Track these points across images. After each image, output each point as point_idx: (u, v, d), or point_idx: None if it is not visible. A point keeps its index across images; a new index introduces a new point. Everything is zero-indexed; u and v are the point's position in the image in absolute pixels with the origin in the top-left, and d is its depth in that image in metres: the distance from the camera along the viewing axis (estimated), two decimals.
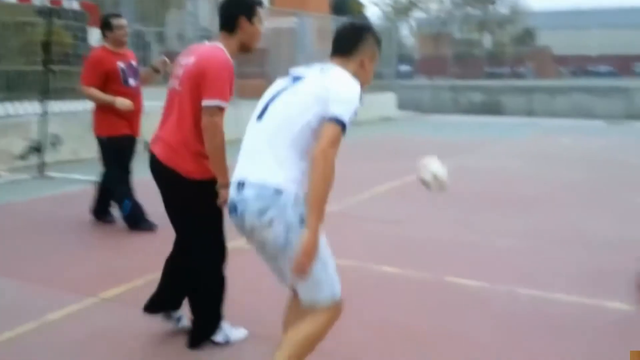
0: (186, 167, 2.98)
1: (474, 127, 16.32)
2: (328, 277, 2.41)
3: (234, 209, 2.43)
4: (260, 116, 2.48)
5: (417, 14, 43.41)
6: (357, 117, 2.39)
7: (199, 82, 2.91)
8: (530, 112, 19.67)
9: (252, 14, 3.01)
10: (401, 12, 41.98)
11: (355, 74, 2.47)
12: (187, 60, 3.03)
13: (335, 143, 2.27)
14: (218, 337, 3.15)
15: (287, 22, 15.13)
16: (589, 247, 5.07)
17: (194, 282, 3.13)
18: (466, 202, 6.56)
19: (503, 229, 5.58)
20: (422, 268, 4.45)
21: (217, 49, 2.98)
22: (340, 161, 2.33)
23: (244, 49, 3.06)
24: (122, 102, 5.03)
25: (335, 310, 2.45)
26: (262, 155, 2.40)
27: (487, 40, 34.93)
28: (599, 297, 3.90)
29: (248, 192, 2.37)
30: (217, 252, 3.11)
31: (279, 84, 2.54)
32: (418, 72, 33.88)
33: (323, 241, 2.37)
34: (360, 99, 2.38)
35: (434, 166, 2.82)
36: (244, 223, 2.40)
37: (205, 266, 3.09)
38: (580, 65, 30.81)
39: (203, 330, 3.14)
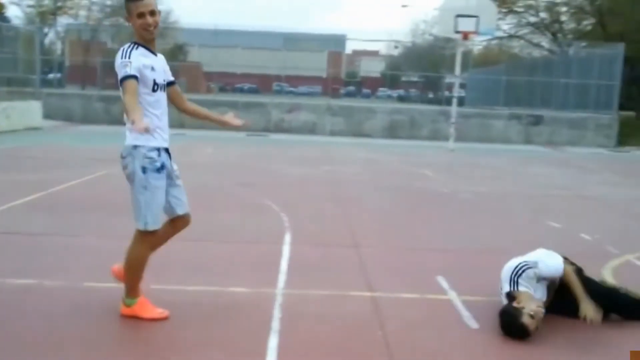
0: None
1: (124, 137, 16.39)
2: (142, 210, 3.53)
3: None
4: None
5: (65, 19, 41.13)
6: None
7: None
8: (182, 124, 20.52)
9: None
10: (46, 15, 39.23)
11: (135, 32, 3.53)
12: None
13: (126, 90, 3.31)
14: None
15: None
16: (222, 241, 5.69)
17: None
18: (112, 207, 6.68)
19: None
20: (58, 277, 4.44)
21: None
22: None
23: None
24: None
25: (147, 236, 3.58)
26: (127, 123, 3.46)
27: None
28: (222, 284, 4.44)
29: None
30: None
31: None
32: (68, 81, 32.27)
33: (157, 185, 3.53)
34: (127, 53, 3.42)
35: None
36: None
37: None
38: (227, 82, 33.25)
39: None
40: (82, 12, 41.09)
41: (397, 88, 31.93)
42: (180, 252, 5.27)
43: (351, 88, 33.00)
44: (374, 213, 7.53)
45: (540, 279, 3.84)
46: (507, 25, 32.64)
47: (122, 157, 3.56)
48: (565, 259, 4.14)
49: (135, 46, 3.51)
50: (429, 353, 3.42)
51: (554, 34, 33.11)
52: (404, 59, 30.34)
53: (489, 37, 20.09)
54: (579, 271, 4.11)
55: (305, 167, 11.60)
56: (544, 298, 3.85)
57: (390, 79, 27.35)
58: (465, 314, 4.02)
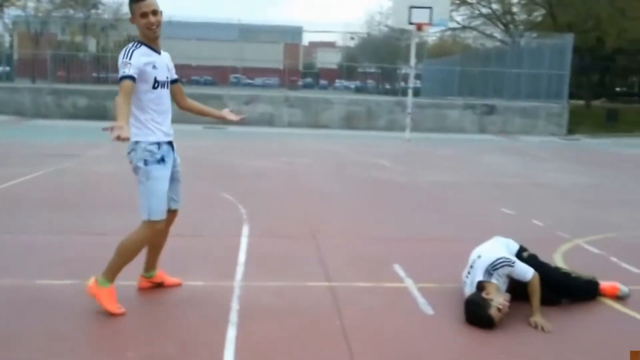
0: None
1: (79, 131, 16.08)
2: (146, 201, 3.70)
3: None
4: None
5: (13, 11, 39.84)
6: None
7: None
8: None
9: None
10: None
11: (139, 32, 3.69)
12: None
13: (121, 90, 3.50)
14: None
15: None
16: (177, 235, 5.63)
17: None
18: (62, 203, 6.54)
19: (101, 226, 5.77)
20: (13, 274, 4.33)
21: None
22: None
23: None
24: None
25: (150, 226, 3.74)
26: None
27: (91, 45, 34.31)
28: (181, 279, 4.41)
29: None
30: None
31: None
32: (17, 74, 31.31)
33: (159, 176, 3.72)
34: (130, 53, 3.58)
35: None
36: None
37: None
38: (183, 74, 32.81)
39: None
40: (31, 4, 39.88)
41: (354, 79, 32.09)
42: None
43: (308, 80, 32.99)
44: (331, 204, 7.57)
45: (509, 277, 3.91)
46: (460, 16, 33.14)
47: (128, 153, 3.78)
48: (521, 247, 4.25)
49: (138, 45, 3.67)
50: (386, 340, 3.47)
51: (505, 25, 33.76)
52: (361, 51, 30.49)
53: (442, 28, 20.36)
54: (534, 257, 4.22)
55: (263, 159, 11.57)
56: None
57: (347, 71, 27.47)
58: (422, 300, 4.09)
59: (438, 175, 10.32)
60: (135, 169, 3.76)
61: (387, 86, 26.51)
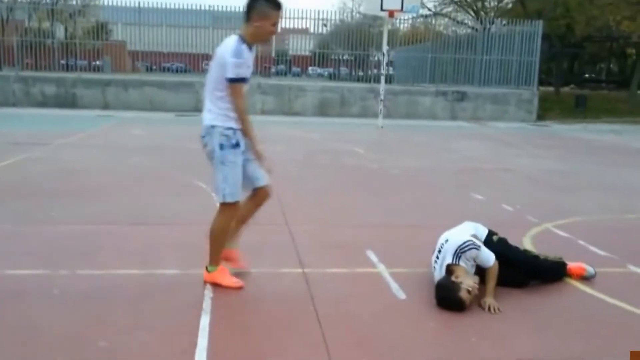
0: None
1: (48, 120, 15.80)
2: (221, 184, 3.87)
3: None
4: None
5: None
6: None
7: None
8: (106, 105, 19.92)
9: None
10: None
11: (255, 32, 3.79)
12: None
13: (235, 94, 3.76)
14: None
15: None
16: (151, 224, 5.61)
17: None
18: (29, 193, 6.45)
19: (72, 216, 5.72)
20: None
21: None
22: None
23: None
24: None
25: (227, 208, 3.93)
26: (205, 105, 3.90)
27: (59, 31, 33.62)
28: (153, 267, 4.40)
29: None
30: None
31: None
32: None
33: (234, 160, 3.86)
34: (242, 52, 3.70)
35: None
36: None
37: None
38: (154, 61, 32.35)
39: None
40: None
41: (327, 66, 32.02)
42: (111, 236, 5.18)
43: (281, 66, 32.81)
44: (305, 191, 7.59)
45: (474, 260, 3.98)
46: (431, 3, 33.28)
47: (202, 137, 3.92)
48: (490, 231, 4.33)
49: (242, 42, 3.78)
50: (359, 325, 3.52)
51: (476, 12, 33.98)
52: (333, 37, 30.46)
53: (413, 14, 20.34)
54: (504, 241, 4.30)
55: None
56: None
57: (320, 57, 27.36)
58: (394, 285, 4.15)
59: (410, 162, 10.40)
60: (210, 153, 3.90)
61: (360, 73, 26.50)
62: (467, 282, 3.73)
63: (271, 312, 3.65)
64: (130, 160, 9.35)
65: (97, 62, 27.75)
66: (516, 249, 4.37)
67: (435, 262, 4.04)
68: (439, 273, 3.97)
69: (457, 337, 3.43)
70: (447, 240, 4.02)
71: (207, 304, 3.70)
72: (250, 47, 3.84)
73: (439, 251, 4.03)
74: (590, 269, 4.44)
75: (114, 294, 3.84)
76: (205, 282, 4.02)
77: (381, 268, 4.49)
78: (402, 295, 3.98)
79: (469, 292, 3.69)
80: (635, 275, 4.59)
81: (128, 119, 16.16)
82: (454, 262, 3.90)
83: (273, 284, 4.13)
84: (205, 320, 3.46)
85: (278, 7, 3.82)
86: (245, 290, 3.97)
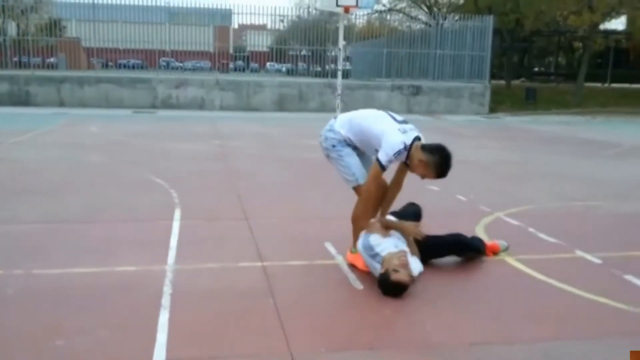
0: None
1: (1, 118, 15.41)
2: (348, 171, 4.44)
3: None
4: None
5: None
6: None
7: None
8: (61, 103, 19.52)
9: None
10: None
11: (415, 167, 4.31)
12: None
13: (376, 177, 4.31)
14: None
15: None
16: (107, 221, 5.57)
17: None
18: None
19: (26, 214, 5.63)
20: None
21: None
22: None
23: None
24: None
25: (360, 188, 4.39)
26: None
27: (12, 28, 32.65)
28: (110, 265, 4.39)
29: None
30: None
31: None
32: None
33: (347, 151, 4.46)
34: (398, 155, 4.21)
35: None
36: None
37: None
38: (110, 57, 31.74)
39: None
40: None
41: (285, 62, 31.97)
42: (65, 234, 5.14)
43: (240, 62, 32.62)
44: (264, 185, 7.63)
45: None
46: None
47: (320, 143, 4.61)
48: (413, 204, 4.88)
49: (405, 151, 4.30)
50: (318, 315, 3.59)
51: (429, 8, 34.44)
52: (291, 33, 30.41)
53: (369, 10, 20.54)
54: (417, 215, 4.73)
55: (195, 143, 11.46)
56: (404, 244, 4.15)
57: (278, 53, 27.31)
58: (351, 276, 4.24)
59: None
60: (328, 151, 4.52)
61: (318, 68, 26.57)
62: (391, 264, 3.86)
63: (231, 306, 3.69)
64: (86, 158, 9.22)
65: (52, 59, 27.13)
66: (431, 235, 4.48)
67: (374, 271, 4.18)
68: (374, 272, 4.11)
69: (412, 324, 3.54)
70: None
71: (166, 300, 3.71)
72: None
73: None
74: (503, 243, 4.80)
75: (70, 293, 3.82)
76: (348, 263, 4.41)
77: (339, 259, 4.58)
78: (359, 285, 4.07)
79: (396, 270, 3.80)
80: (582, 260, 4.79)
81: (84, 117, 15.86)
82: (379, 262, 4.02)
83: (232, 278, 4.17)
84: (164, 317, 3.48)
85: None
86: (205, 285, 4.00)
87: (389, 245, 4.08)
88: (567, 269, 4.54)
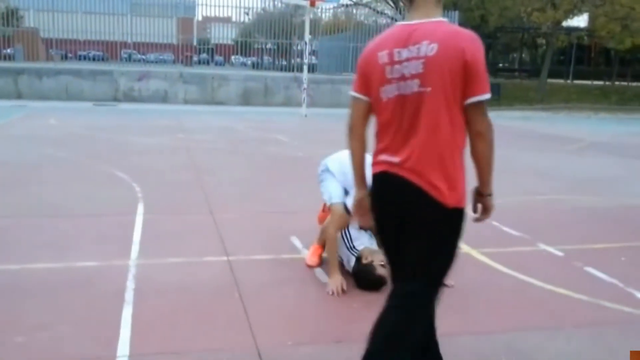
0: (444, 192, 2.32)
1: None
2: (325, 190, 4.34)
3: None
4: None
5: None
6: None
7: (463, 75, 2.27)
8: (19, 95, 19.02)
9: None
10: None
11: None
12: (417, 50, 2.25)
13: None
14: None
15: None
16: (68, 215, 5.44)
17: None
18: None
19: None
20: None
21: (453, 26, 2.31)
22: None
23: None
24: None
25: (332, 210, 4.11)
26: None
27: None
28: (71, 260, 4.29)
29: None
30: None
31: None
32: None
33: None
34: None
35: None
36: None
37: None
38: (70, 49, 31.08)
39: None
40: None
41: (250, 55, 31.79)
42: (26, 230, 5.00)
43: (204, 55, 32.30)
44: (229, 179, 7.56)
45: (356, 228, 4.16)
46: None
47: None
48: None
49: None
50: (284, 309, 3.57)
51: (395, 2, 34.60)
52: (256, 26, 30.22)
53: (334, 4, 20.55)
54: None
55: (158, 137, 11.29)
56: (374, 243, 4.13)
57: (243, 46, 27.11)
58: (317, 269, 4.23)
59: (333, 150, 10.50)
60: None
61: (284, 62, 26.47)
62: (377, 258, 3.86)
63: (195, 300, 3.64)
64: (46, 151, 8.99)
65: (8, 50, 26.45)
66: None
67: (347, 263, 4.18)
68: (347, 264, 4.11)
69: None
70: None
71: (129, 295, 3.65)
72: None
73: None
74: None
75: (31, 289, 3.72)
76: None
77: (305, 253, 4.56)
78: (325, 278, 4.06)
79: (383, 266, 3.82)
80: (544, 253, 4.88)
81: (43, 109, 15.47)
82: (354, 253, 4.05)
83: (197, 273, 4.11)
84: (127, 311, 3.41)
85: None
86: (169, 280, 3.94)
87: (365, 242, 4.10)
88: (530, 262, 4.61)
